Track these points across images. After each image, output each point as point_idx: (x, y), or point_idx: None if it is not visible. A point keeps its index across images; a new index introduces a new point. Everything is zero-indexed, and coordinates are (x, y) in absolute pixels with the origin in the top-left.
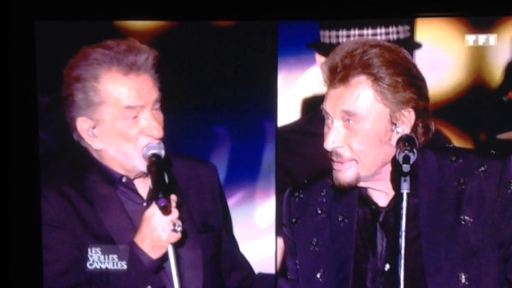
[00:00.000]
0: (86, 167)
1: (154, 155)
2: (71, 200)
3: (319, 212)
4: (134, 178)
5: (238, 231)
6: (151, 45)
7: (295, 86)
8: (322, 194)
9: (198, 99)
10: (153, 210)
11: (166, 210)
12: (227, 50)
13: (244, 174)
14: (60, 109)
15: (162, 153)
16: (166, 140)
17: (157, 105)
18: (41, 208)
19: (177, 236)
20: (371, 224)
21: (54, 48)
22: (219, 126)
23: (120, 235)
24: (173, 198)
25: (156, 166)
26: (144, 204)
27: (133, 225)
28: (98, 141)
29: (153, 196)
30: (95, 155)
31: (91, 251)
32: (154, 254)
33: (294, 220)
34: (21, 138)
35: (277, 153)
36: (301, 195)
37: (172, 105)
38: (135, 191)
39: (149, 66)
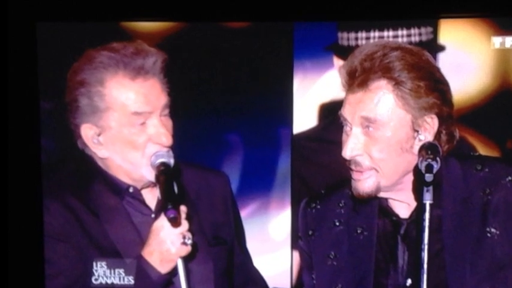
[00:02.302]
0: (90, 176)
1: (163, 164)
2: (75, 211)
3: (337, 223)
4: (142, 188)
5: (251, 244)
6: (160, 48)
7: (312, 90)
8: (341, 204)
9: (209, 105)
10: (162, 222)
11: (175, 222)
12: (240, 53)
13: (258, 183)
14: (64, 115)
15: (172, 161)
16: (175, 148)
17: (166, 111)
18: (44, 220)
19: (187, 249)
20: (392, 236)
21: (57, 51)
22: (231, 133)
23: (126, 248)
24: (183, 209)
25: (165, 175)
26: (152, 215)
27: (141, 238)
28: (103, 150)
29: (161, 207)
30: (101, 163)
31: (96, 265)
32: (163, 268)
33: (310, 232)
34: (22, 146)
35: (292, 161)
36: (318, 206)
37: (182, 111)
38: (142, 202)
39: (158, 70)
